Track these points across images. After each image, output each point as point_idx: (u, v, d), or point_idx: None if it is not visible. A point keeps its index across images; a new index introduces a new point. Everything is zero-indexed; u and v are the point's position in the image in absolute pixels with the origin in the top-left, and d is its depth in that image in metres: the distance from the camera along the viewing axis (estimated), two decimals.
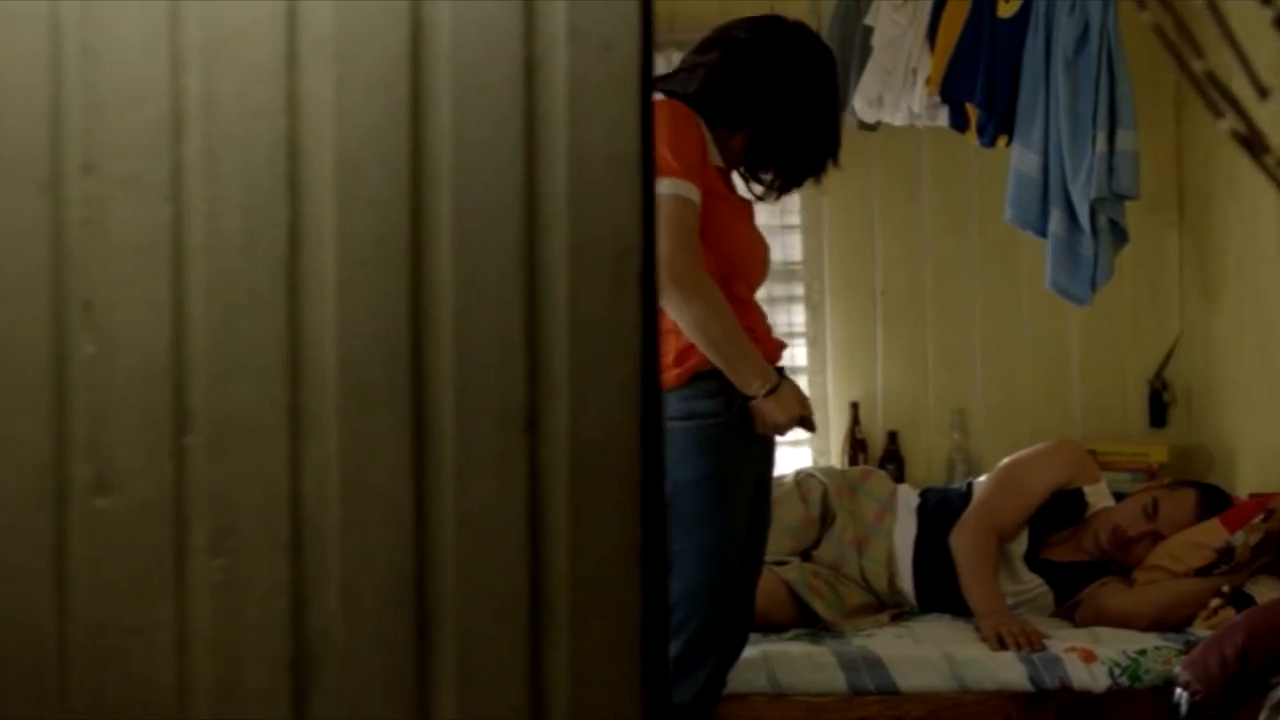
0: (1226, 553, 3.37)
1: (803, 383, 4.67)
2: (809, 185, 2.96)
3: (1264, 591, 3.28)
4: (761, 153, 2.83)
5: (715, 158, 2.74)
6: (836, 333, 4.68)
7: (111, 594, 1.22)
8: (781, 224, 4.59)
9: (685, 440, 2.60)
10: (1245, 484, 4.21)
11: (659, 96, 2.73)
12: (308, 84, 1.21)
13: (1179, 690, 2.61)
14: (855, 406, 4.62)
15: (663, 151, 2.59)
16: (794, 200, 4.43)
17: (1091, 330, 4.67)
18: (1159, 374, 4.68)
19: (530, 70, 1.20)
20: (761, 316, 2.83)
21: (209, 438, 1.21)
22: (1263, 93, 1.36)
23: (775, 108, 2.78)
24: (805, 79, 2.80)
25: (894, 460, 4.59)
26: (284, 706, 1.22)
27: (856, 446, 4.58)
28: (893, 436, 4.63)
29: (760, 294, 4.54)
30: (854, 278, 4.68)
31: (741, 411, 2.64)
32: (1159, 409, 4.68)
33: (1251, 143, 1.38)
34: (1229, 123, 1.33)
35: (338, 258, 1.21)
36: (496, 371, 1.21)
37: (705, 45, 2.87)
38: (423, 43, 1.20)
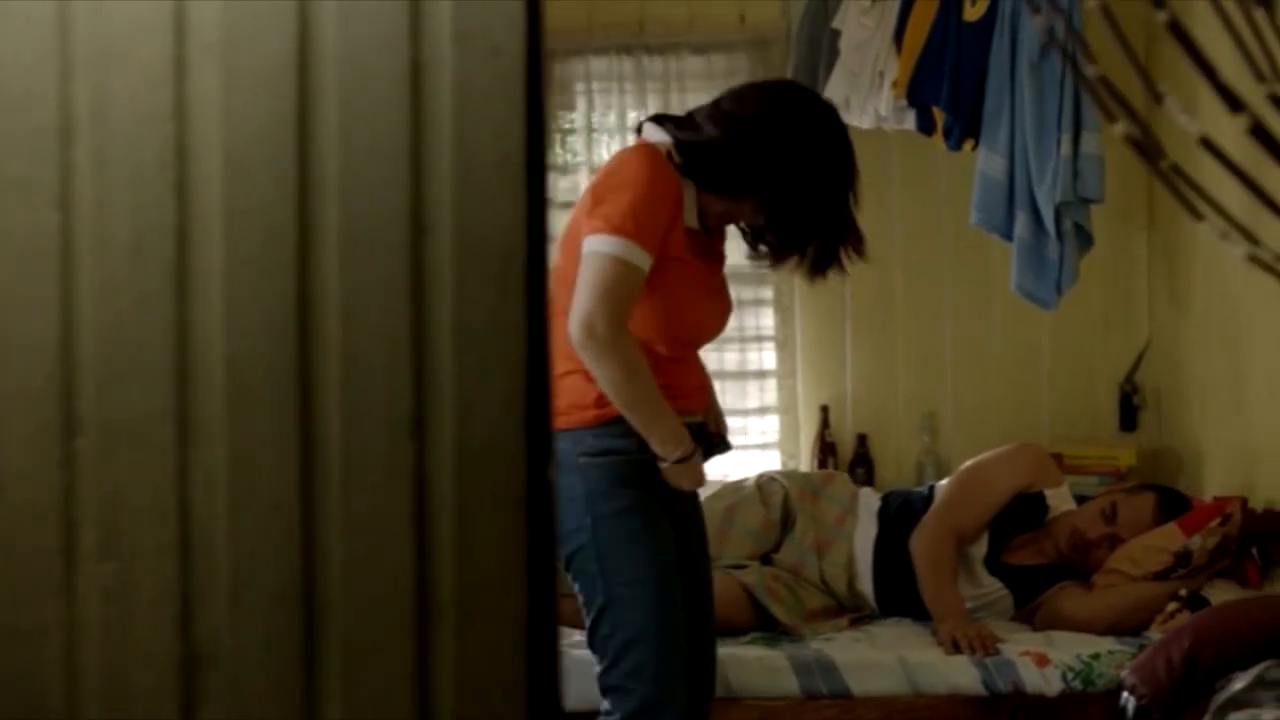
0: (1184, 556, 3.37)
1: (771, 386, 4.68)
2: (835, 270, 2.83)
3: (1221, 595, 3.29)
4: (779, 233, 2.74)
5: (691, 219, 2.67)
6: (806, 336, 4.68)
7: (1, 597, 1.22)
8: None
9: (598, 475, 2.59)
10: (1213, 486, 4.21)
11: (662, 137, 2.67)
12: (195, 88, 1.21)
13: (1125, 694, 2.61)
14: (825, 410, 4.62)
15: (625, 209, 2.52)
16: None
17: (1061, 334, 4.67)
18: (1129, 377, 4.69)
19: (417, 74, 1.21)
20: (690, 370, 2.77)
21: (98, 441, 1.22)
22: (1158, 98, 1.37)
23: (779, 190, 2.68)
24: (810, 166, 2.68)
25: (863, 463, 4.59)
26: (173, 708, 1.22)
27: (826, 450, 4.58)
28: (862, 440, 4.63)
29: (730, 296, 4.54)
30: (823, 281, 4.67)
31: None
32: (1129, 412, 4.68)
33: (1145, 148, 1.38)
34: (1122, 128, 1.34)
35: (225, 261, 1.21)
36: (383, 375, 1.21)
37: (715, 113, 2.70)
38: (310, 47, 1.21)
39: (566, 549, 2.65)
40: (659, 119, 2.75)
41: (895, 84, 4.15)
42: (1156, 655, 2.58)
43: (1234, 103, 1.29)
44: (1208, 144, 1.38)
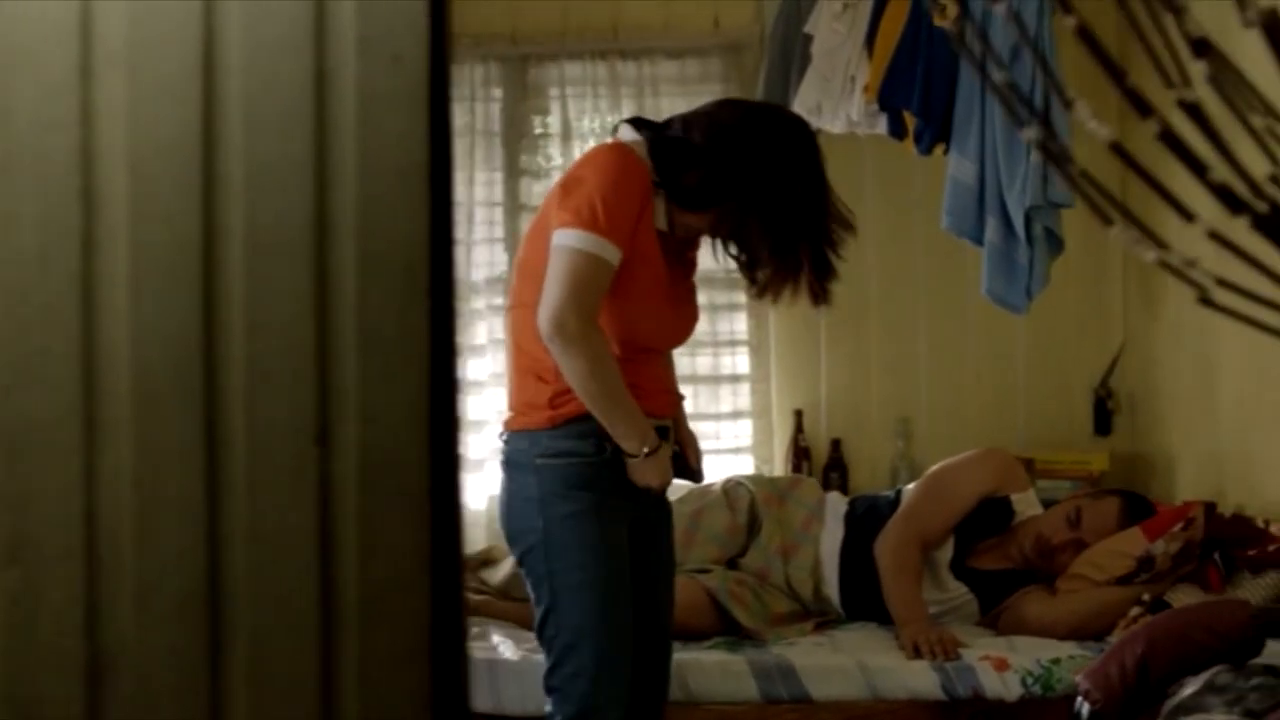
0: (1147, 561, 3.37)
1: (745, 391, 4.68)
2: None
3: (1184, 600, 3.29)
4: (741, 242, 2.76)
5: (660, 220, 2.67)
6: (780, 340, 4.69)
7: None
8: None
9: (553, 477, 2.60)
10: (1185, 491, 4.22)
11: (633, 135, 2.68)
12: (101, 96, 1.21)
13: (1079, 699, 2.62)
14: (799, 414, 4.62)
15: (596, 202, 2.53)
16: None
17: (1036, 338, 4.68)
18: (1104, 382, 4.69)
19: (320, 82, 1.21)
20: (658, 371, 2.76)
21: (4, 447, 1.22)
22: (1067, 104, 1.37)
23: (744, 205, 2.68)
24: (777, 187, 2.68)
25: (838, 468, 4.59)
26: (79, 713, 1.23)
27: (800, 455, 4.58)
28: (836, 444, 4.63)
29: (702, 301, 4.54)
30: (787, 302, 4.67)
31: (616, 454, 2.62)
32: (1103, 417, 4.69)
33: (1052, 153, 1.39)
34: (1030, 133, 1.34)
35: (131, 270, 1.21)
36: (288, 383, 1.21)
37: (691, 120, 2.72)
38: (214, 55, 1.21)
39: (519, 548, 2.65)
40: (637, 122, 2.75)
41: (867, 88, 4.16)
42: (1110, 660, 2.58)
43: (1143, 108, 1.30)
44: (1117, 149, 1.39)
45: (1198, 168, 1.33)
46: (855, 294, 4.68)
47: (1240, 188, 1.34)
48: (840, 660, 3.30)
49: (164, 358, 1.21)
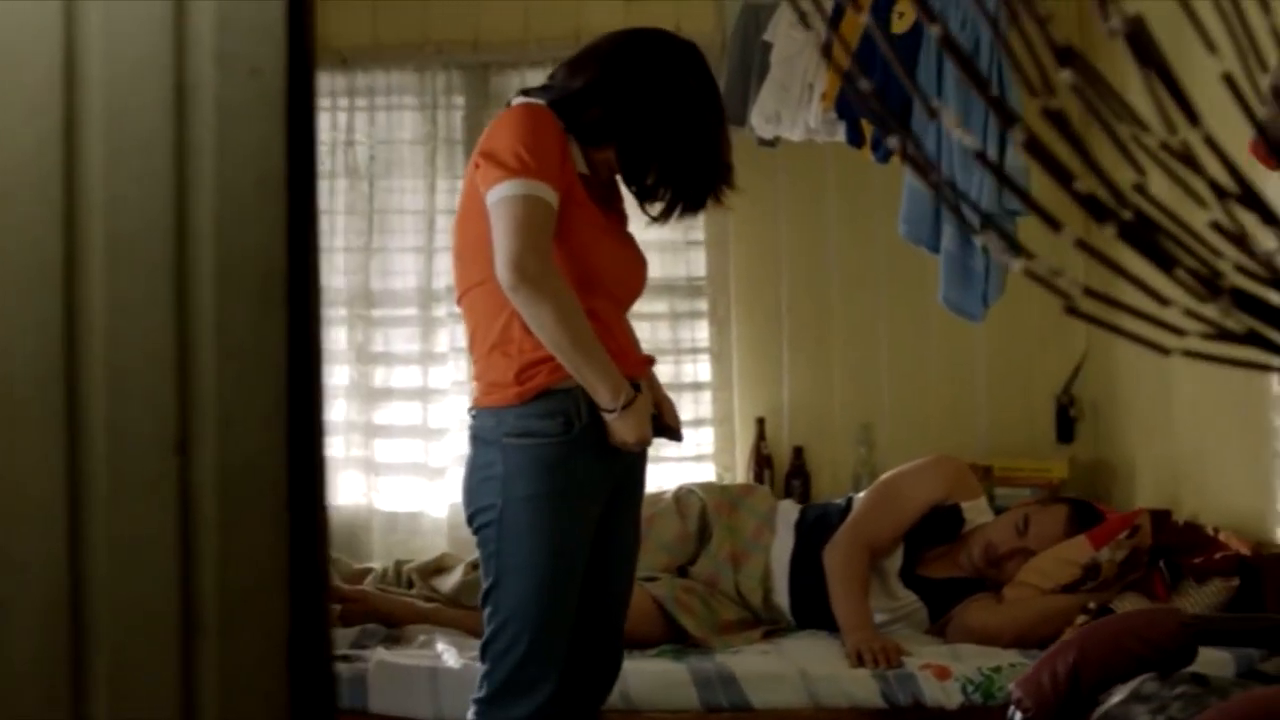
0: (1093, 569, 3.38)
1: (707, 399, 4.69)
2: (711, 205, 2.91)
3: (1129, 608, 3.29)
4: (635, 170, 2.79)
5: (580, 165, 2.71)
6: (742, 348, 4.69)
7: None
8: (686, 239, 4.61)
9: (519, 458, 2.59)
10: (1144, 499, 4.22)
11: (521, 100, 2.73)
12: None
13: (1012, 707, 2.62)
14: (761, 422, 4.62)
15: (518, 151, 2.57)
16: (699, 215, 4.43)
17: (998, 346, 4.68)
18: (1066, 389, 4.70)
19: (180, 96, 1.22)
20: (620, 332, 2.77)
21: None
22: (931, 113, 1.38)
23: (639, 126, 2.74)
24: (665, 95, 2.74)
25: (799, 475, 4.60)
26: None
27: (762, 462, 4.59)
28: (799, 452, 4.64)
29: (664, 309, 4.56)
30: (759, 293, 4.69)
31: (586, 432, 2.60)
32: (1066, 424, 4.69)
33: (917, 162, 1.40)
34: (894, 143, 1.35)
35: None
36: (148, 393, 1.22)
37: (573, 69, 2.81)
38: (74, 68, 1.22)
39: (476, 522, 2.66)
40: (524, 93, 2.81)
41: (824, 96, 4.16)
42: (1042, 668, 2.58)
43: (1008, 117, 1.31)
44: (981, 158, 1.40)
45: (1064, 176, 1.34)
46: (817, 301, 4.70)
47: (1105, 196, 1.35)
48: (781, 668, 3.30)
49: (24, 369, 1.22)
